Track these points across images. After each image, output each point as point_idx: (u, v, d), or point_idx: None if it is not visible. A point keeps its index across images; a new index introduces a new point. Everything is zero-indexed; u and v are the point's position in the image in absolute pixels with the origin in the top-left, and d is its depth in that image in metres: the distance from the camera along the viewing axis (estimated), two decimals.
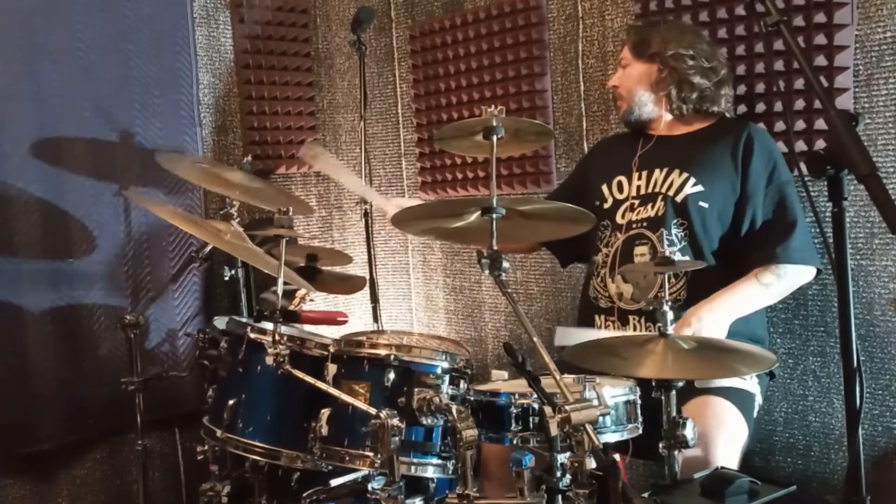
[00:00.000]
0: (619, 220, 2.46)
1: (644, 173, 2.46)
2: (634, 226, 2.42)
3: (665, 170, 2.42)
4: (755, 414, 2.34)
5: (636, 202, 2.44)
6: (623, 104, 2.53)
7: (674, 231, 2.36)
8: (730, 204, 2.35)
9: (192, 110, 3.26)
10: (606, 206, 2.49)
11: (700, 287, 2.29)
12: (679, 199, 2.37)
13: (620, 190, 2.50)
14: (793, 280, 2.31)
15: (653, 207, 2.41)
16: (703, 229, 2.34)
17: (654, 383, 1.85)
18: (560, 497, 1.63)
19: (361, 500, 2.14)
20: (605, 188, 2.52)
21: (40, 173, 2.88)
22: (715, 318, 2.22)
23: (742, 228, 2.34)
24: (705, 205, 2.34)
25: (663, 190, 2.40)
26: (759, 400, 2.37)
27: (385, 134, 3.76)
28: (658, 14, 2.73)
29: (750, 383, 2.34)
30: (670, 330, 1.86)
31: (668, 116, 2.48)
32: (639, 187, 2.46)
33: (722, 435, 2.14)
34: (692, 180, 2.37)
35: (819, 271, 2.34)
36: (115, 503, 3.14)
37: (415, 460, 1.98)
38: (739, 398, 2.26)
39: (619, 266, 2.41)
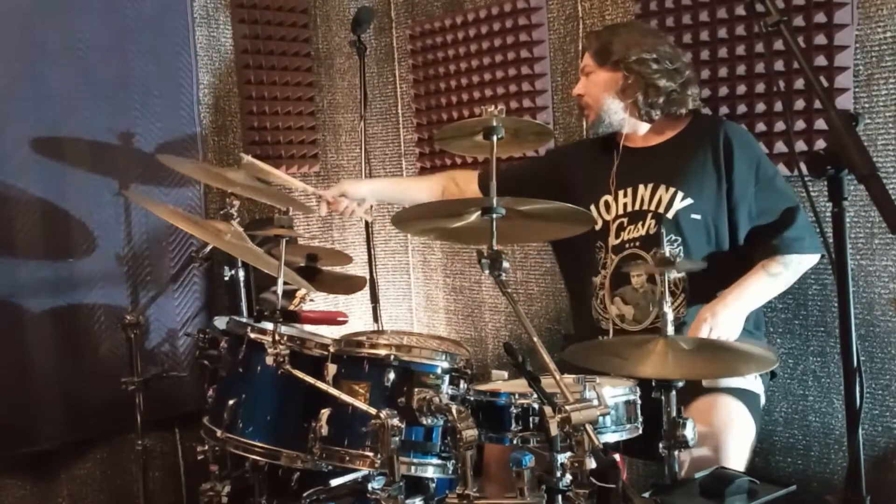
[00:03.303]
0: (611, 240, 2.43)
1: (629, 190, 2.43)
2: (627, 246, 2.40)
3: (650, 185, 2.39)
4: (760, 413, 2.33)
5: (625, 220, 2.42)
6: (591, 113, 2.48)
7: (668, 248, 2.32)
8: (721, 211, 2.33)
9: (192, 110, 3.26)
10: (598, 227, 2.44)
11: (701, 301, 2.28)
12: (670, 215, 2.34)
13: (608, 210, 2.46)
14: (798, 268, 2.32)
15: (643, 226, 2.38)
16: (698, 241, 2.33)
17: (654, 383, 1.85)
18: (560, 497, 1.63)
19: (361, 500, 2.15)
20: (593, 209, 2.47)
21: (40, 173, 2.87)
22: (728, 313, 2.21)
23: (739, 233, 2.32)
24: (697, 216, 2.32)
25: (652, 207, 2.38)
26: (762, 399, 2.37)
27: (385, 134, 3.76)
28: (658, 14, 2.73)
29: (754, 383, 2.33)
30: (670, 331, 1.86)
31: (638, 124, 2.45)
32: (625, 205, 2.43)
33: (732, 434, 2.13)
34: (680, 194, 2.34)
35: (823, 256, 2.34)
36: (115, 503, 3.14)
37: (415, 460, 1.97)
38: (746, 397, 2.25)
39: (615, 289, 2.38)
